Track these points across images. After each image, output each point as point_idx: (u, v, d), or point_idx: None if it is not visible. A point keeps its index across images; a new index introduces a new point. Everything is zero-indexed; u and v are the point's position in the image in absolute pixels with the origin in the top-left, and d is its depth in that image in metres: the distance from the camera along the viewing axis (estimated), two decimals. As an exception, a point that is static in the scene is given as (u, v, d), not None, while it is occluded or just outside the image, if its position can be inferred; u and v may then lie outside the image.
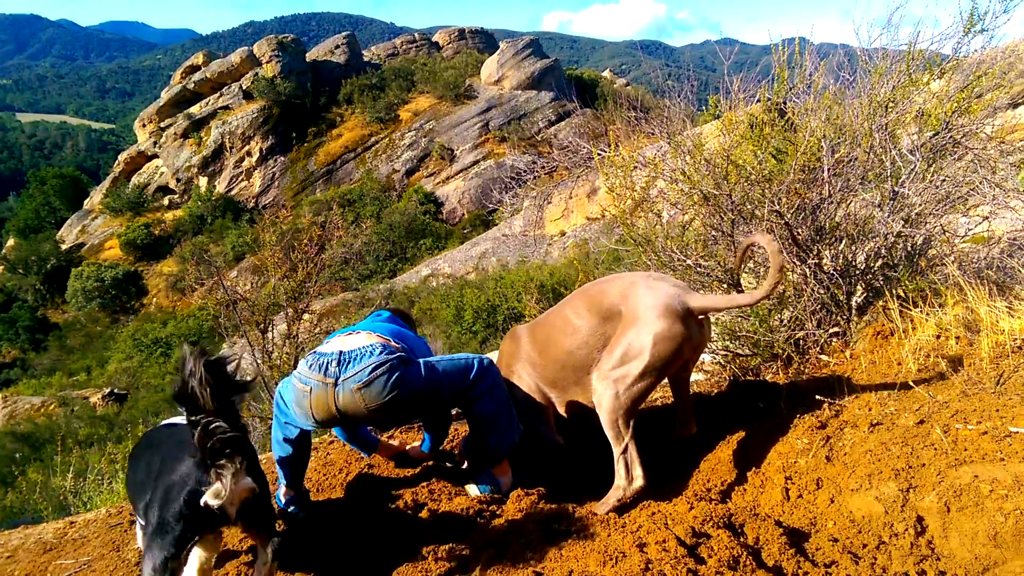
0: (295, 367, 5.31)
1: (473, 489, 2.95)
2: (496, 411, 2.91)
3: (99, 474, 4.76)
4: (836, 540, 2.19)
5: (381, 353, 2.70)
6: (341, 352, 2.71)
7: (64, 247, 48.90)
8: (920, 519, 2.16)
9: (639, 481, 2.61)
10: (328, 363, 2.69)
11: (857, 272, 3.54)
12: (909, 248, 3.58)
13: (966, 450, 2.32)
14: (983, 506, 2.07)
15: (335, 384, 2.65)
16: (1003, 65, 3.62)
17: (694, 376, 3.80)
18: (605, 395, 2.65)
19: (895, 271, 3.50)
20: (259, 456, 2.69)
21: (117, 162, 55.53)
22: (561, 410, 3.04)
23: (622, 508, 2.60)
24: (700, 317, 2.71)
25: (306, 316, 5.76)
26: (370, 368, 2.64)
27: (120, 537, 3.11)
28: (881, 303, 3.41)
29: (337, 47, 57.51)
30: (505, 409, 2.95)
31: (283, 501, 2.98)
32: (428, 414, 3.19)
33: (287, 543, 2.45)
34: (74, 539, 3.23)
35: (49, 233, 50.95)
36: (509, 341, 3.24)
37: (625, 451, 2.63)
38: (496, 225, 35.16)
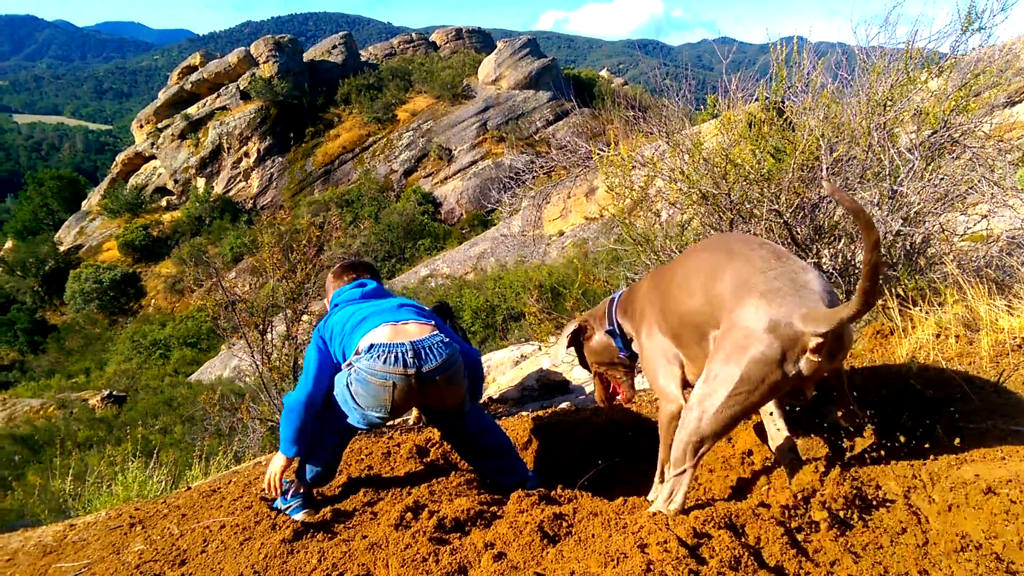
0: (294, 369, 5.29)
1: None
2: (503, 442, 3.09)
3: (98, 476, 4.74)
4: (837, 539, 2.19)
5: (451, 343, 2.83)
6: (413, 343, 2.75)
7: (62, 249, 48.84)
8: (923, 518, 2.16)
9: (675, 507, 2.34)
10: (403, 354, 2.72)
11: (856, 271, 3.54)
12: (908, 247, 3.58)
13: (967, 449, 2.32)
14: (984, 505, 2.07)
15: (418, 374, 2.71)
16: (1000, 63, 3.62)
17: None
18: (688, 416, 2.30)
19: (894, 270, 3.50)
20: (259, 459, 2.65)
21: (115, 163, 55.42)
22: (685, 365, 2.64)
23: (623, 509, 2.59)
24: (818, 338, 2.04)
25: (305, 317, 5.75)
26: (453, 361, 2.79)
27: (120, 540, 3.08)
28: (880, 302, 3.42)
29: (334, 47, 57.48)
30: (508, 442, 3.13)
31: (287, 498, 2.97)
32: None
33: None
34: (74, 542, 3.22)
35: (47, 235, 50.87)
36: (648, 282, 2.82)
37: (681, 475, 2.34)
38: (494, 225, 35.13)
